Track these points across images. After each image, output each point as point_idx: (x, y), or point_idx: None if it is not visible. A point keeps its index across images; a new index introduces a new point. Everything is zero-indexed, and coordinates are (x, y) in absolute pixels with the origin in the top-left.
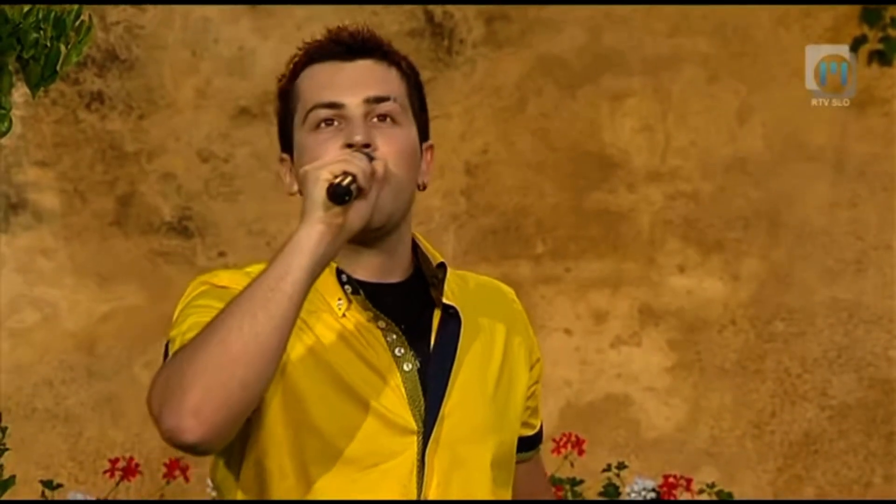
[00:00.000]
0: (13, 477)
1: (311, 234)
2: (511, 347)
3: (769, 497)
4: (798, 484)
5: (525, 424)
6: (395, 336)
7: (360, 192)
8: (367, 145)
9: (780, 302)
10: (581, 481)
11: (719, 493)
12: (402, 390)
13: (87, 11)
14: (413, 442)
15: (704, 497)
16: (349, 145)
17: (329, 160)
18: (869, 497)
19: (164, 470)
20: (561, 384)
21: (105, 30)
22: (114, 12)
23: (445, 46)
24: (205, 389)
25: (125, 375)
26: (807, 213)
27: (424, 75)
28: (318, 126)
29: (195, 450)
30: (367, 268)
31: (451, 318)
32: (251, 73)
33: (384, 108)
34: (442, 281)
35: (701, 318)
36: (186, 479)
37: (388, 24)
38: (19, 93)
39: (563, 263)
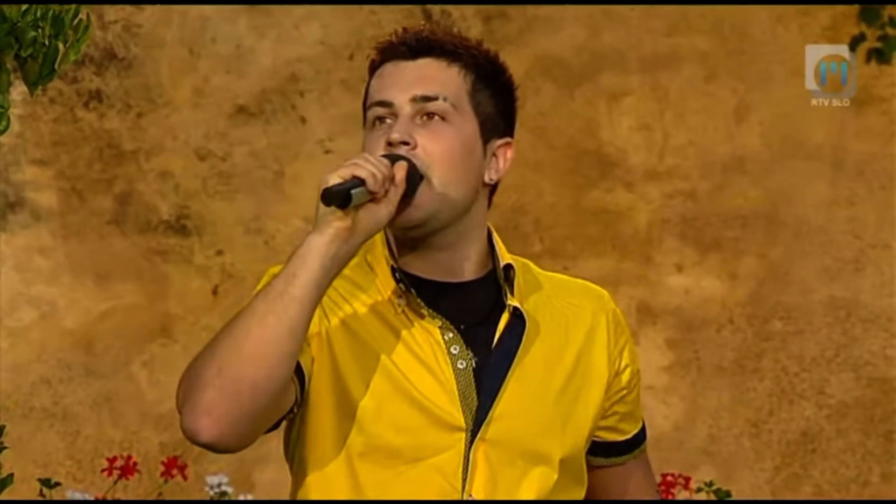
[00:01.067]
0: (11, 475)
1: (318, 239)
2: (589, 352)
3: (767, 496)
4: (796, 483)
5: (612, 430)
6: (451, 334)
7: (373, 196)
8: (406, 143)
9: (778, 301)
10: None
11: (717, 491)
12: (454, 388)
13: (85, 10)
14: (461, 439)
15: (702, 496)
16: (389, 143)
17: (344, 164)
18: (866, 496)
19: (161, 468)
20: None
21: (103, 28)
22: (112, 11)
23: None
24: (217, 390)
25: (123, 374)
26: (805, 211)
27: None
28: (373, 123)
29: (213, 448)
30: (426, 265)
31: (519, 319)
32: (249, 72)
33: (432, 106)
34: (510, 282)
35: (699, 316)
36: (185, 478)
37: (386, 22)
38: (17, 91)
39: (560, 262)
